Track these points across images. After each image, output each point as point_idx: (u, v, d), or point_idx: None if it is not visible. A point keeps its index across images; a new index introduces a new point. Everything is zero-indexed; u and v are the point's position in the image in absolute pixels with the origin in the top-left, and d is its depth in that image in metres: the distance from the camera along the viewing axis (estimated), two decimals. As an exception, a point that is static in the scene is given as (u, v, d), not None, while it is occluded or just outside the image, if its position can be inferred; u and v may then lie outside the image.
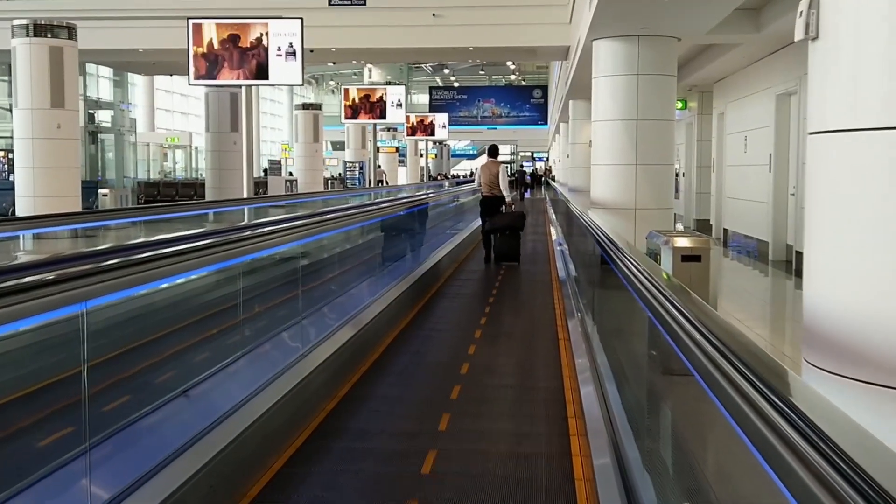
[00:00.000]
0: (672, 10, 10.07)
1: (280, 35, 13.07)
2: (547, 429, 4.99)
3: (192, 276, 4.51)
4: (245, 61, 13.18)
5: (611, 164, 11.57)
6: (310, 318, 6.25)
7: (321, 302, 6.79)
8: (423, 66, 58.32)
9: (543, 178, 53.36)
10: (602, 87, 11.62)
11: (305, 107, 28.60)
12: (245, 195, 13.66)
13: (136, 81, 39.87)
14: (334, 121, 31.20)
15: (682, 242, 5.78)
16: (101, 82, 27.16)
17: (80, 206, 16.35)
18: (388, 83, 35.87)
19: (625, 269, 4.11)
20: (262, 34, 13.10)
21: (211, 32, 13.15)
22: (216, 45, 12.98)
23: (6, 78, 15.44)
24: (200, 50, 13.13)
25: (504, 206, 13.15)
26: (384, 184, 34.45)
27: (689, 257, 5.72)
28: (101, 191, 18.37)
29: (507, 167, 15.82)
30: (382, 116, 24.57)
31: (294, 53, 12.97)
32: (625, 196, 11.41)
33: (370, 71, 52.26)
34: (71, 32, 15.26)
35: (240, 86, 13.66)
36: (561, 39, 18.02)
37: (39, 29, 14.91)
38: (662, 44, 11.40)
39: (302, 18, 13.10)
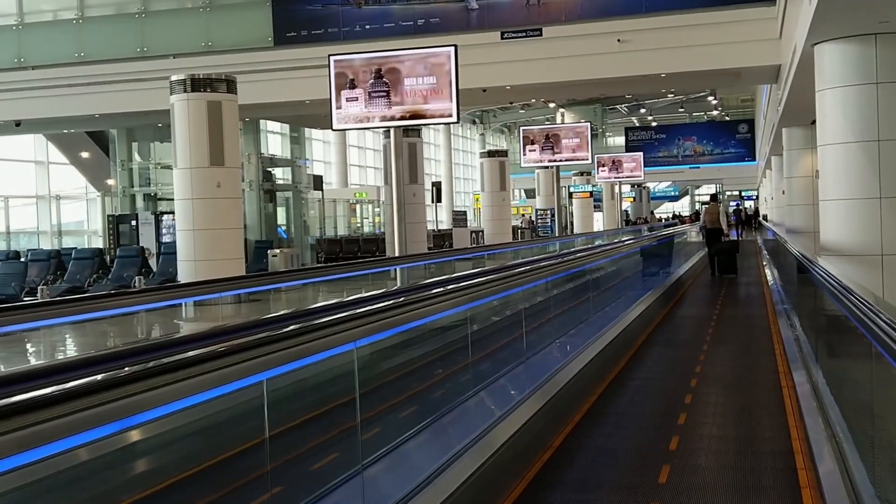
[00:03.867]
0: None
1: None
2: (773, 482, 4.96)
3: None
4: (393, 100, 11.65)
5: (845, 199, 9.16)
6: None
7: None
8: (618, 107, 55.88)
9: (755, 220, 49.74)
10: (829, 101, 9.26)
11: (491, 154, 27.44)
12: (396, 253, 12.03)
13: (330, 138, 40.15)
14: (527, 168, 29.90)
15: None
16: (280, 139, 26.89)
17: (245, 268, 15.35)
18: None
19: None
20: (410, 68, 11.54)
21: (355, 70, 11.74)
22: (360, 84, 11.57)
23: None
24: (346, 91, 11.78)
25: (723, 236, 18.99)
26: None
27: None
28: (270, 251, 17.47)
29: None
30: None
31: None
32: (865, 238, 8.98)
33: (562, 115, 50.56)
34: (230, 86, 14.38)
35: (388, 128, 12.21)
36: (769, 57, 15.62)
37: (197, 83, 14.09)
38: (907, 42, 8.96)
39: (455, 45, 11.44)
